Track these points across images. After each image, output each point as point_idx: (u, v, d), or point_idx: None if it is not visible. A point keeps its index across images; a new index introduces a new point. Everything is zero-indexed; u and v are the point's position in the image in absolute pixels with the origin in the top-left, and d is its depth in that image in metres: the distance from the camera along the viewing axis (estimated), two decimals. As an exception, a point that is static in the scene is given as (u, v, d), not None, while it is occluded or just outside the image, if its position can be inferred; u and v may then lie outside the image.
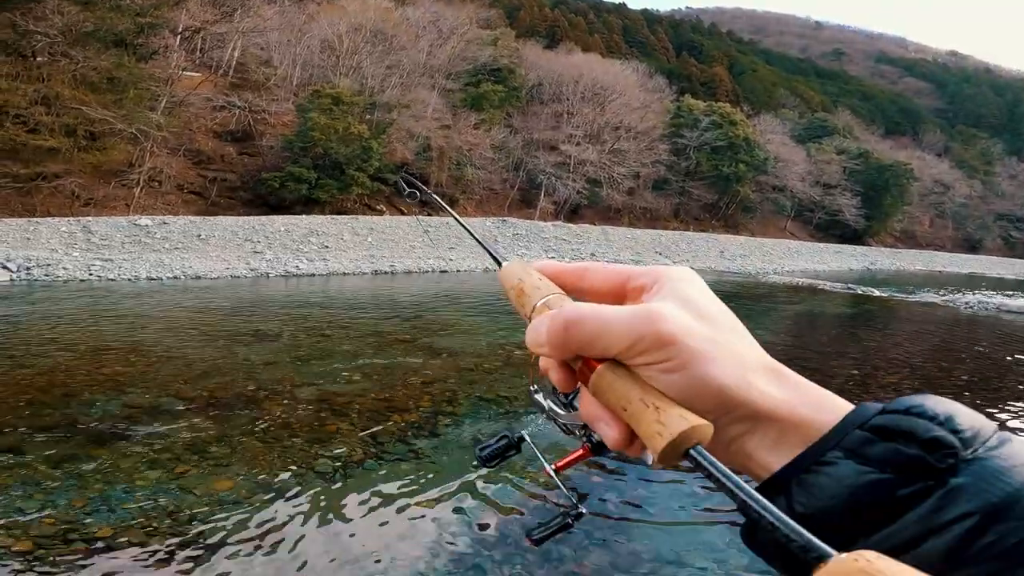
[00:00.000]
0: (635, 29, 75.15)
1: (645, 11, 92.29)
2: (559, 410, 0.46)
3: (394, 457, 4.78)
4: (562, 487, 0.47)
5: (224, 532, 3.57)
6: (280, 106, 27.82)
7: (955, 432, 0.31)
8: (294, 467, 4.46)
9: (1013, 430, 5.86)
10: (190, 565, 3.25)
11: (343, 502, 4.04)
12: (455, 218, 0.64)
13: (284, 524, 3.71)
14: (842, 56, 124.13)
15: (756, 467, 0.37)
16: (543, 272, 0.46)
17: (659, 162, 40.65)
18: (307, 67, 30.77)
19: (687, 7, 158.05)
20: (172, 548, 3.37)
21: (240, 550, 3.41)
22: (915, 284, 28.27)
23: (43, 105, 18.74)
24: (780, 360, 0.36)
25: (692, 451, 0.33)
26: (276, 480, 4.25)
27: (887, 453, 0.32)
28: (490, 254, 0.53)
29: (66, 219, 17.60)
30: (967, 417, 0.33)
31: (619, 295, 0.42)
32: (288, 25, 30.67)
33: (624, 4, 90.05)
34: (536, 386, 0.48)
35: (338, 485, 4.26)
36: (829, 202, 49.76)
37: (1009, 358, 11.53)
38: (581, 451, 0.45)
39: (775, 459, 0.35)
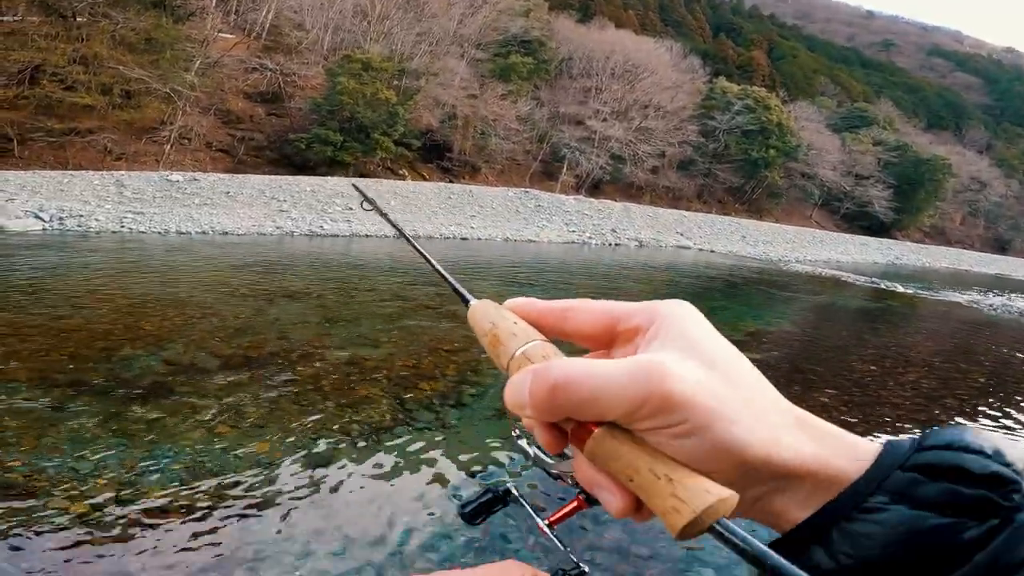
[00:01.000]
0: (672, 7, 73.20)
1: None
2: (547, 458, 0.43)
3: (422, 425, 4.95)
4: (558, 543, 0.43)
5: (269, 494, 3.73)
6: (310, 69, 27.83)
7: (1007, 466, 0.29)
8: (327, 431, 4.63)
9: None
10: (236, 526, 3.41)
11: (374, 469, 4.20)
12: (411, 243, 0.58)
13: (319, 488, 3.87)
14: (891, 47, 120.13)
15: (784, 523, 0.33)
16: (518, 312, 0.40)
17: (686, 143, 40.08)
18: (338, 31, 30.64)
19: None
20: (219, 510, 3.52)
21: (284, 512, 3.58)
22: (940, 282, 27.83)
23: (81, 64, 19.04)
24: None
25: (716, 525, 0.29)
26: (311, 444, 4.41)
27: (943, 494, 0.29)
28: (456, 291, 0.48)
29: (99, 173, 17.94)
30: (1011, 449, 0.30)
31: (609, 338, 0.37)
32: (322, -12, 30.47)
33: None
34: (519, 431, 0.44)
35: (370, 451, 4.42)
36: (860, 193, 48.80)
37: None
38: (575, 503, 0.41)
39: (806, 514, 0.32)
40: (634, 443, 0.31)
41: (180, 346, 6.07)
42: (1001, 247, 63.28)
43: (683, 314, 0.35)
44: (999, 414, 7.48)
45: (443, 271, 0.51)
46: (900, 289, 22.34)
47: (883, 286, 22.73)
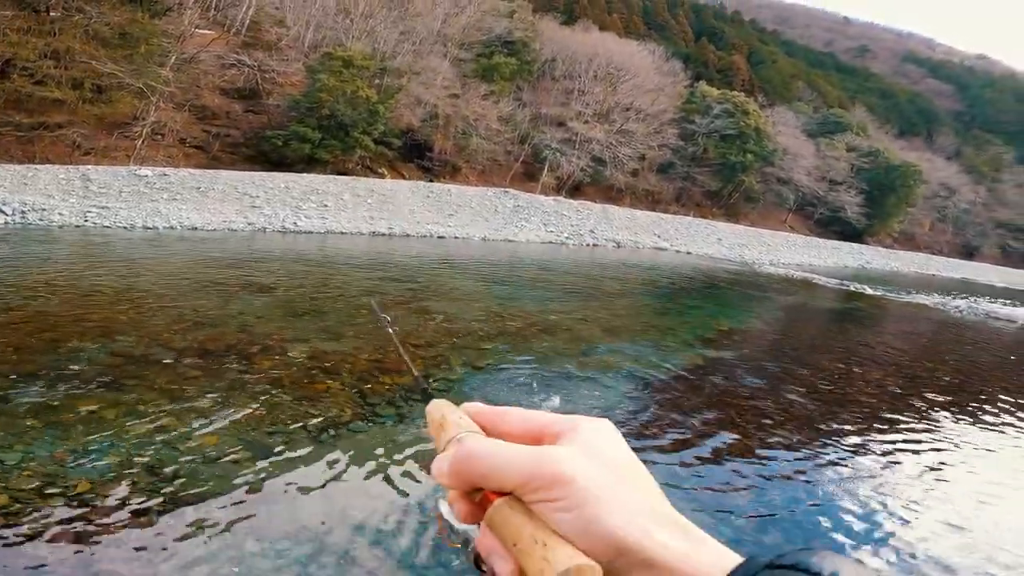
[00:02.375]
0: (656, 11, 73.64)
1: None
2: (462, 530, 0.46)
3: (382, 419, 4.83)
4: None
5: (207, 488, 3.56)
6: (290, 66, 27.47)
7: None
8: (282, 424, 4.49)
9: (994, 428, 5.86)
10: (170, 521, 3.24)
11: (329, 462, 4.07)
12: (396, 343, 0.67)
13: (269, 482, 3.72)
14: (867, 53, 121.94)
15: None
16: (468, 413, 0.48)
17: (666, 146, 40.41)
18: (320, 28, 30.31)
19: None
20: (152, 504, 3.35)
21: (222, 507, 3.42)
22: (908, 285, 28.35)
23: (52, 59, 18.57)
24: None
25: None
26: (263, 437, 4.26)
27: None
28: (421, 387, 0.56)
29: (65, 167, 17.46)
30: (852, 573, 0.33)
31: (537, 440, 0.44)
32: (304, -16, 30.14)
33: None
34: (445, 506, 0.48)
35: (325, 445, 4.29)
36: (833, 198, 49.62)
37: (992, 363, 11.66)
38: None
39: None
40: (525, 514, 0.37)
41: (132, 338, 5.86)
42: (968, 253, 64.76)
43: (599, 428, 0.42)
44: (963, 411, 7.58)
45: (412, 366, 0.61)
46: (869, 291, 22.70)
47: (853, 288, 23.08)
